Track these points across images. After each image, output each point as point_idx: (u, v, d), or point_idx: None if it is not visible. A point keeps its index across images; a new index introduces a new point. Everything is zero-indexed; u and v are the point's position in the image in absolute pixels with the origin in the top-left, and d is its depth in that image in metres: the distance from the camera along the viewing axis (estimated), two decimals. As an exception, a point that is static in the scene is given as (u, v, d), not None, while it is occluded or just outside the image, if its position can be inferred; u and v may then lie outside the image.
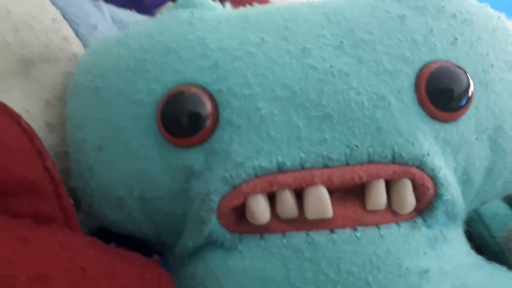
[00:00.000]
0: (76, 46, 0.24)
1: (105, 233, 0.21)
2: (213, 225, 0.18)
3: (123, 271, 0.18)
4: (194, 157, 0.19)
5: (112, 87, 0.21)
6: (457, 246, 0.20)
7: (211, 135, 0.19)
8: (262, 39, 0.19)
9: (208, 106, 0.18)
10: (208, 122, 0.18)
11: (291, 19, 0.20)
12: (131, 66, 0.20)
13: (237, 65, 0.19)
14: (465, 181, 0.20)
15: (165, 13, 0.23)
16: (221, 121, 0.19)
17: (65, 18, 0.25)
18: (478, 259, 0.20)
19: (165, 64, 0.20)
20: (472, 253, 0.20)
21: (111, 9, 0.31)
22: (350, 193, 0.18)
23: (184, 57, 0.19)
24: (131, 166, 0.20)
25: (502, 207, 0.30)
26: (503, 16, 0.22)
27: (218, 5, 0.23)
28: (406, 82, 0.19)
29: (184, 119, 0.18)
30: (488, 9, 0.22)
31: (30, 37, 0.22)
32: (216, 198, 0.18)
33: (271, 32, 0.19)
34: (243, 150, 0.18)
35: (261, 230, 0.18)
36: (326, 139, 0.18)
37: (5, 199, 0.17)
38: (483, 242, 0.27)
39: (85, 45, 0.25)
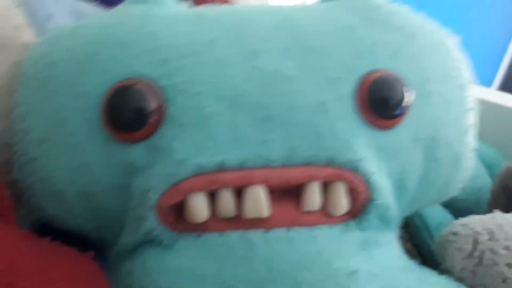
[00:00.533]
0: (27, 35, 0.24)
1: (48, 231, 0.21)
2: (151, 222, 0.18)
3: (55, 265, 0.17)
4: (136, 153, 0.19)
5: (60, 78, 0.20)
6: (388, 249, 0.20)
7: (155, 132, 0.19)
8: (211, 39, 0.19)
9: (153, 102, 0.18)
10: (153, 118, 0.18)
11: (243, 22, 0.20)
12: (80, 58, 0.20)
13: (185, 63, 0.19)
14: (399, 187, 0.21)
15: (121, 8, 0.23)
16: (166, 117, 0.19)
17: (21, 6, 0.24)
18: (409, 263, 0.21)
19: (114, 58, 0.19)
20: (404, 257, 0.21)
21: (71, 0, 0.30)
22: (289, 193, 0.19)
23: (134, 51, 0.19)
24: (73, 159, 0.20)
25: (447, 217, 0.31)
26: (445, 32, 0.23)
27: (176, 3, 0.23)
28: (347, 89, 0.19)
29: (128, 113, 0.18)
30: (432, 25, 0.23)
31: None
32: (155, 195, 0.18)
33: (222, 32, 0.20)
34: (185, 147, 0.18)
35: (200, 229, 0.18)
36: (267, 140, 0.18)
37: None
38: (427, 250, 0.28)
39: (39, 33, 0.24)
